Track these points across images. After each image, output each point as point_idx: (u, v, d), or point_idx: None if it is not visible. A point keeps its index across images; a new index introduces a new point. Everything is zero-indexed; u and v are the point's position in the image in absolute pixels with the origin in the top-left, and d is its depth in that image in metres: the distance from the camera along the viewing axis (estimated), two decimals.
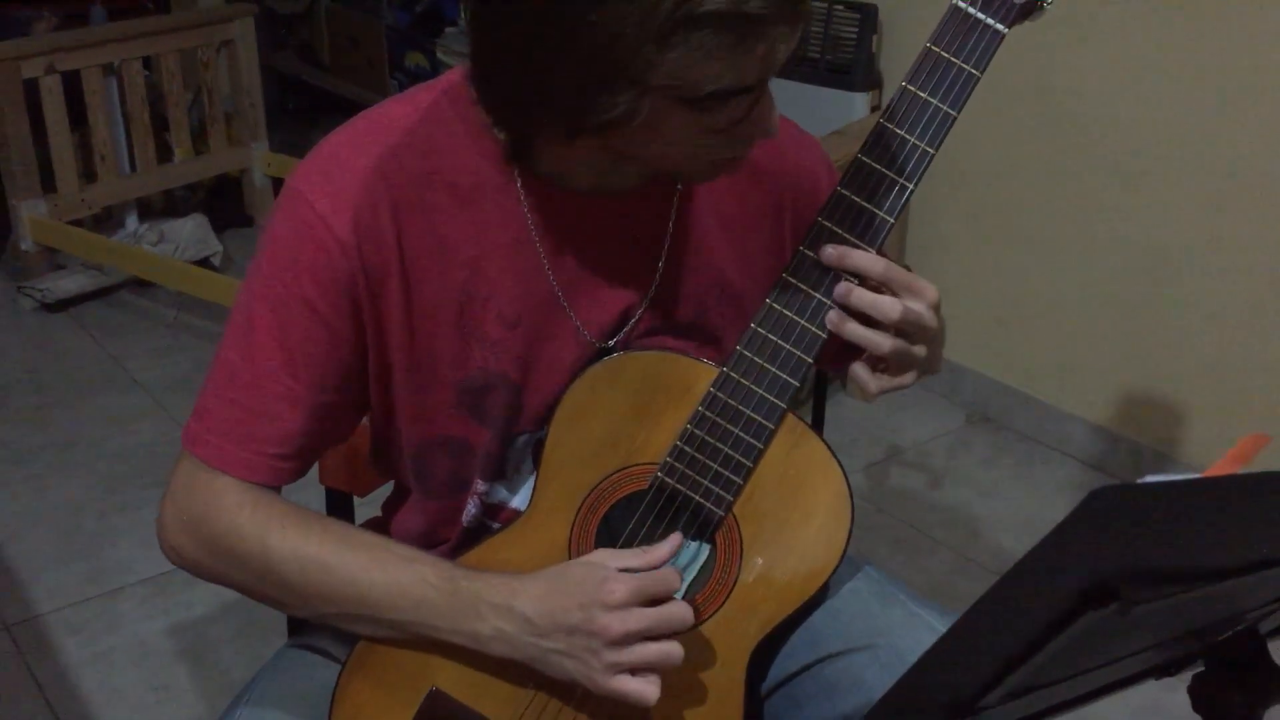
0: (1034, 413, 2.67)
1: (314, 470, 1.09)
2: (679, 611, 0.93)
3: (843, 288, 0.96)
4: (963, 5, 0.94)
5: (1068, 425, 2.61)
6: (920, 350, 0.98)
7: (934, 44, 0.95)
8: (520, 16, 0.82)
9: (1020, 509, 2.45)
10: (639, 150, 0.91)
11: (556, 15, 0.80)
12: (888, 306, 0.95)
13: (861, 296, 0.95)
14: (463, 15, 3.60)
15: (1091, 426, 2.57)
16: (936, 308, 0.98)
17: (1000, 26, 0.94)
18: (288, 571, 0.97)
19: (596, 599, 0.92)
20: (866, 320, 0.96)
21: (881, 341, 0.96)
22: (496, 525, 1.09)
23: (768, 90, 0.89)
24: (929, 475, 2.57)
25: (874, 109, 2.72)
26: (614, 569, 0.94)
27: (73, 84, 3.13)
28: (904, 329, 0.96)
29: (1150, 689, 0.85)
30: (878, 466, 2.59)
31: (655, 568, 0.95)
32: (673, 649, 0.93)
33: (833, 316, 0.96)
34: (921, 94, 0.95)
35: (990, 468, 2.59)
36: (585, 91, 0.83)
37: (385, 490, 1.19)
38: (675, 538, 0.97)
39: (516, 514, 1.08)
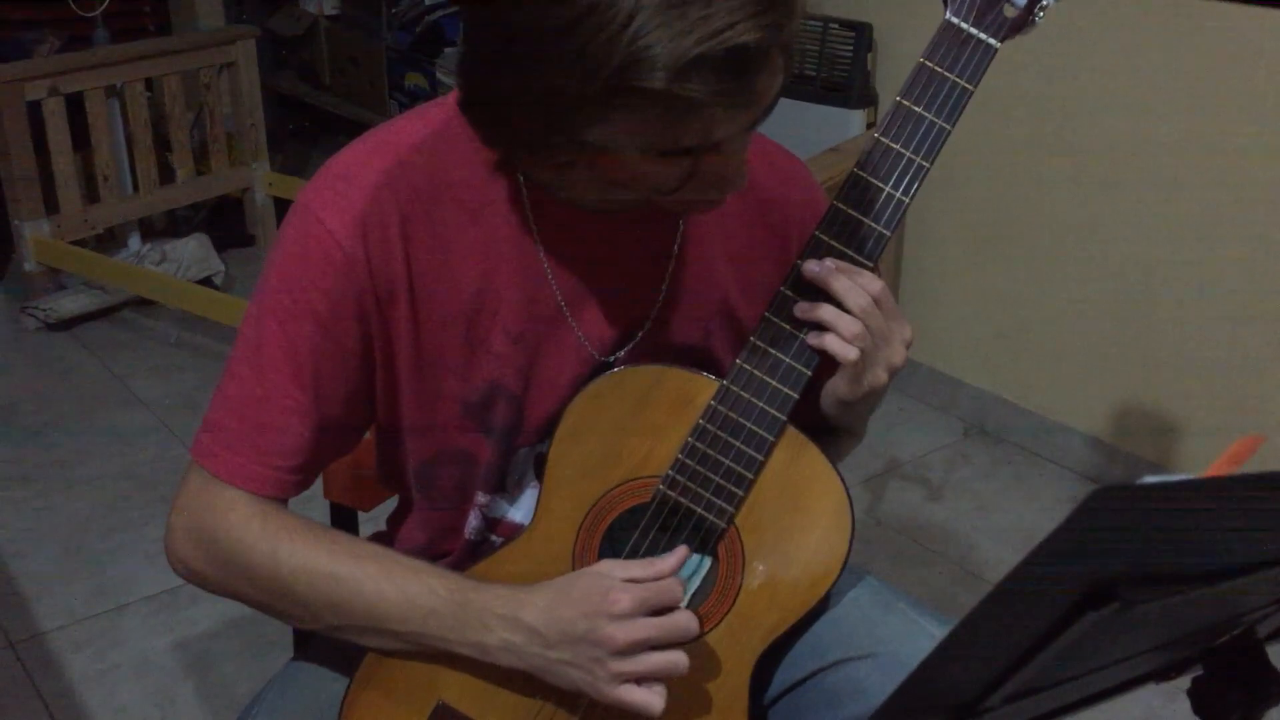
0: (1031, 425, 2.67)
1: (318, 485, 1.10)
2: (684, 621, 0.94)
3: (812, 264, 0.96)
4: (955, 20, 0.95)
5: (1065, 437, 2.61)
6: (880, 371, 0.99)
7: (927, 59, 0.96)
8: (481, 56, 0.85)
9: (1018, 521, 2.45)
10: (616, 177, 0.92)
11: (509, 64, 0.83)
12: (856, 293, 0.95)
13: (838, 279, 0.96)
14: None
15: (1088, 438, 2.57)
16: (908, 345, 0.99)
17: (993, 41, 0.95)
18: (297, 583, 0.97)
19: (601, 609, 0.92)
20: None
21: (850, 319, 0.96)
22: (496, 538, 1.10)
23: (726, 149, 0.88)
24: (927, 488, 2.58)
25: (869, 126, 2.74)
26: (619, 579, 0.94)
27: (75, 106, 3.15)
28: (867, 324, 0.96)
29: (1150, 699, 0.85)
30: (877, 480, 2.59)
31: (661, 579, 0.95)
32: (678, 658, 0.93)
33: (803, 306, 0.97)
34: (916, 108, 0.96)
35: (988, 480, 2.60)
36: (534, 135, 0.86)
37: (389, 506, 1.20)
38: (681, 550, 0.97)
39: (516, 527, 1.09)
